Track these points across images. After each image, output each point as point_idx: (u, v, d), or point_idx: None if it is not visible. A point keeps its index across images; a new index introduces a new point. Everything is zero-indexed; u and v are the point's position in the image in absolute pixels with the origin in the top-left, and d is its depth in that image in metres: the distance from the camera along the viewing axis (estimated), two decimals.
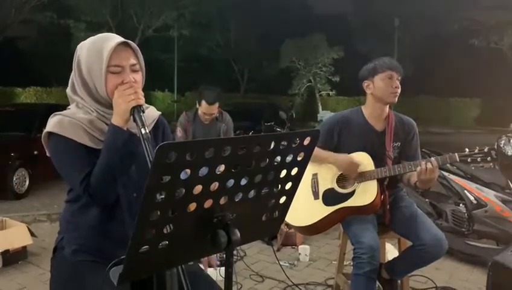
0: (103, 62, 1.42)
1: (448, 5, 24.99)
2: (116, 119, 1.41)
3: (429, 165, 2.21)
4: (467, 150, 2.29)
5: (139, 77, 1.50)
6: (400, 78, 2.44)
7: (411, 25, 27.83)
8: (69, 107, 1.55)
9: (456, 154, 2.29)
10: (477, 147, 2.29)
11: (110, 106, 1.46)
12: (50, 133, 1.47)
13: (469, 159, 2.27)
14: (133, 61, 1.47)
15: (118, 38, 1.46)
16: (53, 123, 1.47)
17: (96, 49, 1.44)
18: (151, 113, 1.63)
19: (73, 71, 1.50)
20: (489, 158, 2.26)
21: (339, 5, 30.03)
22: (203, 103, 3.77)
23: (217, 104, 3.78)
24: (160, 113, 1.69)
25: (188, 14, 24.28)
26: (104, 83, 1.44)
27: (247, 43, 29.15)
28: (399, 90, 2.44)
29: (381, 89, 2.44)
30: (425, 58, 27.18)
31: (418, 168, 2.24)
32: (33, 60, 25.35)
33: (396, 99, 2.45)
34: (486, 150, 2.27)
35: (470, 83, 25.96)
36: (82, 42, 1.51)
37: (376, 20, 28.47)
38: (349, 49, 26.70)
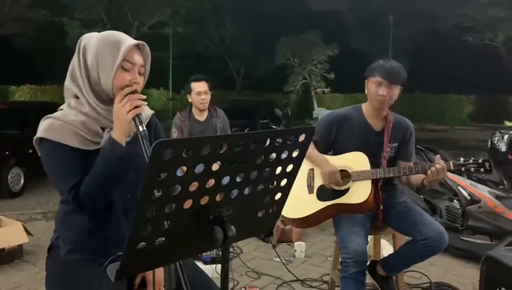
0: (119, 55, 1.42)
1: (443, 1, 25.07)
2: (117, 134, 1.40)
3: (433, 168, 2.27)
4: (461, 159, 2.34)
5: (142, 80, 1.52)
6: (393, 85, 2.41)
7: (406, 22, 27.89)
8: (61, 107, 1.54)
9: (450, 162, 2.33)
10: (472, 158, 2.33)
11: (108, 102, 1.47)
12: (41, 139, 1.46)
13: (463, 169, 2.32)
14: (142, 62, 1.51)
15: (132, 39, 1.49)
16: (44, 128, 1.45)
17: (112, 42, 1.45)
18: (144, 112, 1.64)
19: (74, 61, 1.49)
20: (482, 169, 2.31)
21: (334, 2, 30.04)
22: (192, 84, 3.80)
23: (205, 83, 3.81)
24: (153, 112, 1.70)
25: (183, 11, 24.25)
26: (112, 76, 1.43)
27: (243, 40, 29.11)
28: (388, 98, 2.42)
29: (370, 92, 2.48)
30: (420, 55, 27.26)
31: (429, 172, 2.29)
32: (27, 58, 25.22)
33: (385, 106, 2.46)
34: (480, 161, 2.31)
35: (464, 80, 26.07)
36: (88, 34, 1.52)
37: (371, 17, 28.53)
38: (344, 46, 26.75)
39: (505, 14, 23.54)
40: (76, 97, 1.50)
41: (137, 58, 1.48)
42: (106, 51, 1.44)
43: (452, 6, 24.55)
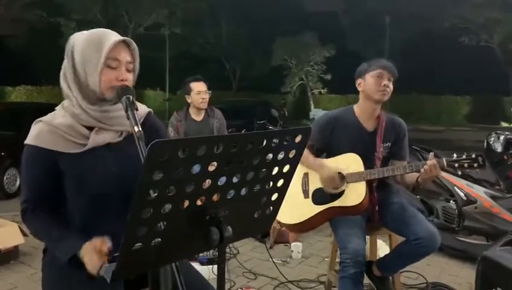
0: (102, 54, 1.41)
1: (439, 3, 25.15)
2: (85, 257, 1.32)
3: (427, 166, 2.27)
4: (454, 155, 2.32)
5: (131, 77, 1.51)
6: (391, 78, 2.46)
7: (402, 23, 27.99)
8: (56, 108, 1.54)
9: (443, 159, 2.32)
10: (465, 153, 2.30)
11: (96, 102, 1.46)
12: (27, 144, 1.47)
13: (456, 165, 2.30)
14: (129, 59, 1.48)
15: (118, 36, 1.47)
16: (32, 135, 1.47)
17: (95, 41, 1.43)
18: (138, 111, 1.64)
19: (65, 62, 1.49)
20: (476, 164, 2.27)
21: (331, 3, 30.11)
22: (192, 84, 3.81)
23: (204, 83, 3.82)
24: (149, 110, 1.68)
25: (179, 12, 24.24)
26: (98, 75, 1.42)
27: (239, 41, 29.14)
28: (389, 90, 2.46)
29: (371, 85, 2.47)
30: (416, 56, 27.37)
31: (422, 170, 2.30)
32: (23, 59, 25.13)
33: (386, 98, 2.47)
34: (473, 156, 2.27)
35: (460, 81, 26.18)
36: (76, 33, 1.50)
37: (367, 18, 28.61)
38: (340, 47, 26.81)
39: (501, 16, 23.66)
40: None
41: (124, 55, 1.46)
42: (90, 50, 1.43)
43: (448, 7, 24.65)
